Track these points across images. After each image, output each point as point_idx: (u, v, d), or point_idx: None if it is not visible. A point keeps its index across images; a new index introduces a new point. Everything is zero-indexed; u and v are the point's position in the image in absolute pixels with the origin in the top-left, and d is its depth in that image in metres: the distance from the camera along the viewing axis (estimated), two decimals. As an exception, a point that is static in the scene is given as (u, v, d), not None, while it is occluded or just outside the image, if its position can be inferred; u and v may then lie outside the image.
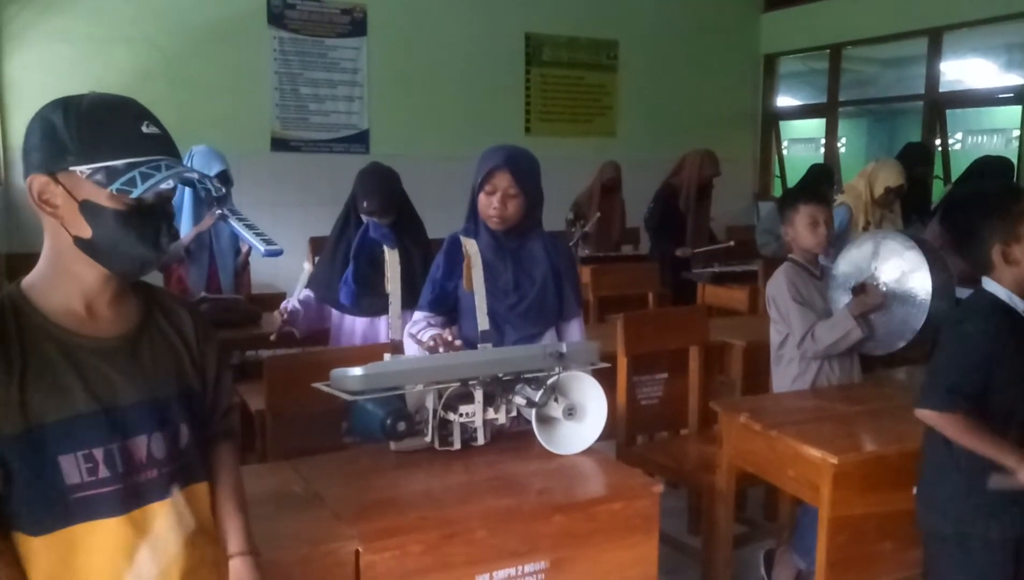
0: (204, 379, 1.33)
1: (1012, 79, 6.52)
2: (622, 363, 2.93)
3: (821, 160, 7.57)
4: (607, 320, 3.98)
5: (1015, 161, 6.14)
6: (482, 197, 2.19)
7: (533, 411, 1.91)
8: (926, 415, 1.87)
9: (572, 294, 2.29)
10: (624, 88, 7.53)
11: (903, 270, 2.57)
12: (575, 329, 2.30)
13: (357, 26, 6.31)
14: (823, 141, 8.13)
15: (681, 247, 5.13)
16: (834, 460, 2.05)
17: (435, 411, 1.88)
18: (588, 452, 1.96)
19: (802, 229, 2.71)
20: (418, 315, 2.28)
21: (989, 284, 1.88)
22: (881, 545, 2.16)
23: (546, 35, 7.12)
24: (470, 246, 2.17)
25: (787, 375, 2.73)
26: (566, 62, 7.25)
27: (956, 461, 1.87)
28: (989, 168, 4.63)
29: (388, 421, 1.80)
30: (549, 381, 1.90)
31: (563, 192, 5.70)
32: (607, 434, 2.27)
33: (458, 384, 1.88)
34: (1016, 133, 6.54)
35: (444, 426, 1.92)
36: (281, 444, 2.27)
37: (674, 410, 3.16)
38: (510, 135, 6.43)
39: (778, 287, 2.70)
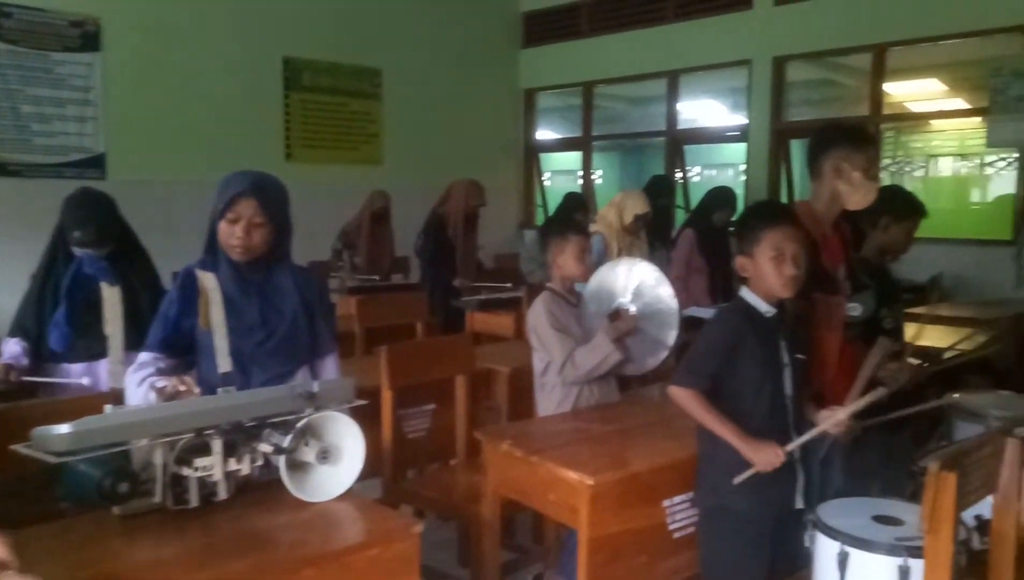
0: None
1: (738, 119, 7.30)
2: (387, 396, 2.85)
3: (580, 190, 8.03)
4: (375, 352, 3.86)
5: (742, 191, 6.89)
6: (223, 225, 2.01)
7: (282, 458, 1.76)
8: (672, 391, 2.12)
9: (326, 328, 2.16)
10: (389, 116, 7.50)
11: (651, 294, 2.74)
12: (330, 366, 2.18)
13: (89, 40, 5.73)
14: (580, 173, 8.63)
15: (459, 278, 5.15)
16: (590, 482, 2.09)
17: (165, 467, 1.67)
18: (346, 496, 1.84)
19: (572, 259, 2.80)
20: (145, 356, 2.03)
21: (742, 290, 2.15)
22: (637, 559, 2.24)
23: (306, 60, 6.93)
24: (207, 280, 1.98)
25: (551, 401, 2.78)
26: (327, 88, 7.09)
27: (720, 445, 2.07)
28: (716, 198, 5.14)
29: (106, 483, 1.56)
30: (299, 424, 1.77)
31: (328, 219, 5.53)
32: (373, 471, 2.16)
33: (192, 435, 1.68)
34: (743, 167, 7.33)
35: (178, 482, 1.71)
36: (-21, 518, 1.91)
37: (443, 441, 3.12)
38: (270, 160, 6.17)
39: (537, 316, 2.75)
